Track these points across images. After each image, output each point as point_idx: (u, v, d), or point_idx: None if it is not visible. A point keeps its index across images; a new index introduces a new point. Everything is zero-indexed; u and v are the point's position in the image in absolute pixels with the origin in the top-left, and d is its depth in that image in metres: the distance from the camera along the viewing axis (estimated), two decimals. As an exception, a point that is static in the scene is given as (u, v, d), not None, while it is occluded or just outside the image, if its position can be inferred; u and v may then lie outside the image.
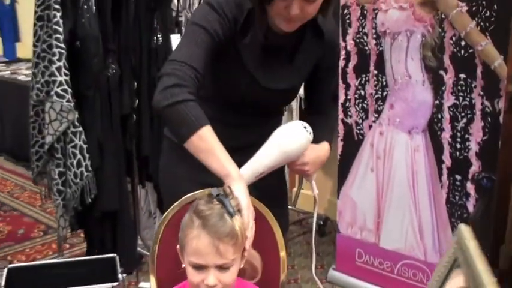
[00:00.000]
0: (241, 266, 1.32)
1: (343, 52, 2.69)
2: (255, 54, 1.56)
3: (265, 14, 1.47)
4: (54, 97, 2.46)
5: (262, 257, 1.54)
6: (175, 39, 2.71)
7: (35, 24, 2.54)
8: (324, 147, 1.69)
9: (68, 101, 2.46)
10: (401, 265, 2.69)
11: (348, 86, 2.71)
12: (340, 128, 2.79)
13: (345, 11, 2.63)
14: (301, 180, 3.89)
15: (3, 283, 2.16)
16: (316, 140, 1.66)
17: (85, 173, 2.60)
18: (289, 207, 3.77)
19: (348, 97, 2.72)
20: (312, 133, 1.58)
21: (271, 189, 1.66)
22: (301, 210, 3.86)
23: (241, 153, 1.69)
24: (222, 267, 1.23)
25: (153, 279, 1.57)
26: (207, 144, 1.32)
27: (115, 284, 2.05)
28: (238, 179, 1.32)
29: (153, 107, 1.39)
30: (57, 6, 2.43)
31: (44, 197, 2.96)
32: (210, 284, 1.22)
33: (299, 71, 1.67)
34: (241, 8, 1.50)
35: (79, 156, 2.58)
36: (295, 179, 3.94)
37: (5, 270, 2.23)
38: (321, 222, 3.56)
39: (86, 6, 2.46)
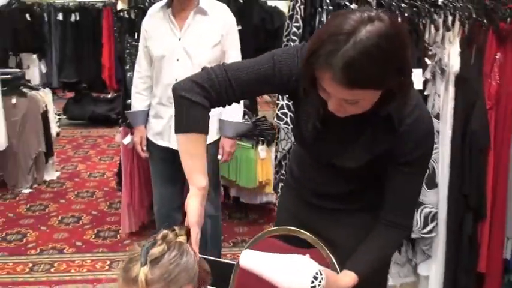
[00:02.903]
0: None
1: None
2: (312, 119, 1.50)
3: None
4: (275, 118, 2.68)
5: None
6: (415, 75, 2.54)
7: (281, 51, 2.82)
8: (345, 281, 1.47)
9: (285, 123, 2.65)
10: None
11: None
12: None
13: None
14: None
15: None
16: (348, 266, 1.51)
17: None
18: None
19: None
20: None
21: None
22: None
23: (316, 196, 1.68)
24: None
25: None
26: (188, 148, 1.43)
27: None
28: (196, 193, 1.42)
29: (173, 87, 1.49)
30: (294, 38, 2.66)
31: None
32: None
33: (360, 153, 1.49)
34: None
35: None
36: None
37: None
38: None
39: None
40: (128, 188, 3.92)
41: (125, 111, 3.39)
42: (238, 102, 1.53)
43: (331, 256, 1.61)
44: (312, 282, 1.36)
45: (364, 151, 1.49)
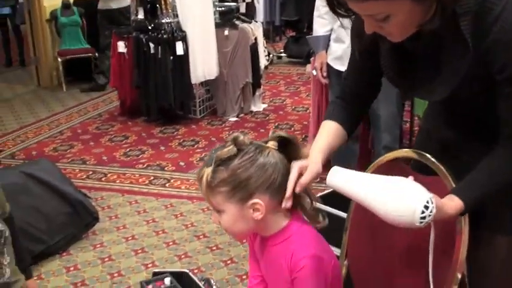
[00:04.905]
0: (256, 218, 1.26)
1: None
2: (388, 56, 1.38)
3: None
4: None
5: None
6: None
7: None
8: (449, 206, 1.24)
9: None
10: None
11: None
12: None
13: None
14: None
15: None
16: (453, 189, 1.29)
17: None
18: None
19: None
20: (430, 218, 1.16)
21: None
22: None
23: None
24: (217, 210, 1.29)
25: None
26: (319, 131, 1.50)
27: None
28: (312, 163, 1.33)
29: None
30: None
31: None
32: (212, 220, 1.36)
33: (442, 84, 1.28)
34: None
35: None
36: None
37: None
38: None
39: None
40: (315, 119, 3.86)
41: (306, 36, 3.32)
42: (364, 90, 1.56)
43: (452, 184, 1.34)
44: (423, 212, 1.15)
45: (446, 81, 1.25)
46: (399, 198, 1.17)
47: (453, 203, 1.24)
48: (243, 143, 1.25)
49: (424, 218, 1.14)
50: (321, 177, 1.34)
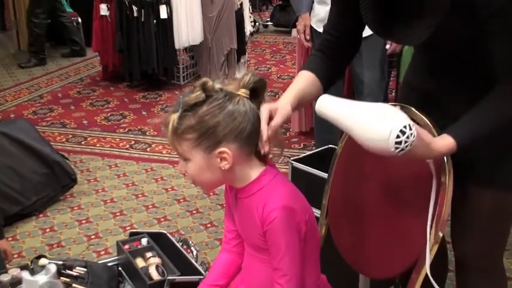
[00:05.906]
0: (223, 167, 1.21)
1: None
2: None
3: None
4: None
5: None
6: None
7: None
8: (438, 144, 1.20)
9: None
10: None
11: None
12: None
13: None
14: None
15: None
16: (447, 129, 1.22)
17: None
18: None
19: None
20: (407, 147, 1.10)
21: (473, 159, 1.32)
22: None
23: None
24: (184, 158, 1.23)
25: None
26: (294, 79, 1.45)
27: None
28: (281, 107, 1.27)
29: None
30: None
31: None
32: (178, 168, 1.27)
33: (424, 24, 1.22)
34: None
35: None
36: None
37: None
38: None
39: None
40: (300, 85, 3.80)
41: (289, -3, 3.24)
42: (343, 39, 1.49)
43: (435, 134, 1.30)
44: (398, 136, 1.09)
45: (427, 23, 1.20)
46: (377, 121, 1.13)
47: (443, 141, 1.20)
48: (212, 89, 1.19)
49: (399, 143, 1.09)
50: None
